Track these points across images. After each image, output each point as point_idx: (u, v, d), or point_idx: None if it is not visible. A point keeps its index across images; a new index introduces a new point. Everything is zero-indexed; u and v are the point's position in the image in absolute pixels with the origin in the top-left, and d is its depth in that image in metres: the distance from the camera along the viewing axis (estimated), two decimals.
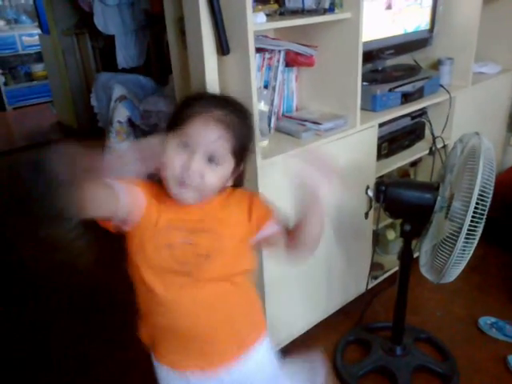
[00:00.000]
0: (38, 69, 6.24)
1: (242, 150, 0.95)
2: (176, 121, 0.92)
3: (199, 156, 0.89)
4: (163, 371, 1.06)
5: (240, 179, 1.03)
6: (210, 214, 0.97)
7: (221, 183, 0.94)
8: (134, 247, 0.95)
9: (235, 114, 0.93)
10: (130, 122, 2.21)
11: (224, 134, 0.89)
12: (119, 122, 2.18)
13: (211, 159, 0.90)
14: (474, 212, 1.30)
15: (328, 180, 0.88)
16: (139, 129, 2.24)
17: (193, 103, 0.92)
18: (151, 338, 1.05)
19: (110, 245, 2.79)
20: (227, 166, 0.93)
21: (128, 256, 0.97)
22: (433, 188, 1.46)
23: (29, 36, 6.11)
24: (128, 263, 0.98)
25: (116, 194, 0.86)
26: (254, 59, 1.39)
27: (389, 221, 2.11)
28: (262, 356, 1.10)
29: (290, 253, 1.02)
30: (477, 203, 1.30)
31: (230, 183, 0.99)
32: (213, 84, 1.47)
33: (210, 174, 0.90)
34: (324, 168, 0.88)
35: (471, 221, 1.30)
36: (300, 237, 0.98)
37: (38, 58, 5.97)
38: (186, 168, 0.88)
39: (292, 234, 0.99)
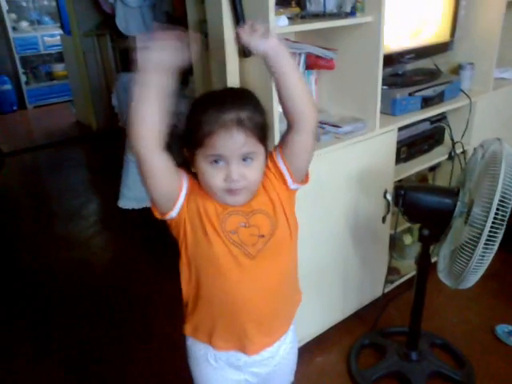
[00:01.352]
0: (58, 69, 6.35)
1: (266, 133, 0.97)
2: (197, 137, 0.91)
3: (235, 162, 0.91)
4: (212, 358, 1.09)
5: None
6: (256, 197, 1.00)
7: (262, 171, 0.97)
8: (190, 235, 0.98)
9: (247, 104, 0.93)
10: None
11: (248, 131, 0.90)
12: None
13: (245, 158, 0.92)
14: (495, 218, 1.29)
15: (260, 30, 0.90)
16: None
17: (205, 113, 0.91)
18: (205, 328, 1.07)
19: (127, 242, 2.85)
20: (260, 154, 0.95)
21: (179, 245, 1.01)
22: (452, 193, 1.45)
23: (50, 36, 6.21)
24: (180, 256, 1.02)
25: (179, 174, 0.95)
26: None
27: (406, 225, 2.10)
28: (290, 341, 1.16)
29: (301, 130, 0.98)
30: (497, 209, 1.29)
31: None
32: (234, 85, 1.48)
33: (250, 171, 0.93)
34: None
35: (491, 227, 1.29)
36: (290, 102, 0.95)
37: (59, 58, 6.07)
38: (229, 179, 0.91)
39: (286, 111, 0.98)
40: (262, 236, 0.99)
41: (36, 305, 2.32)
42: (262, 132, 0.94)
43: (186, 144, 0.96)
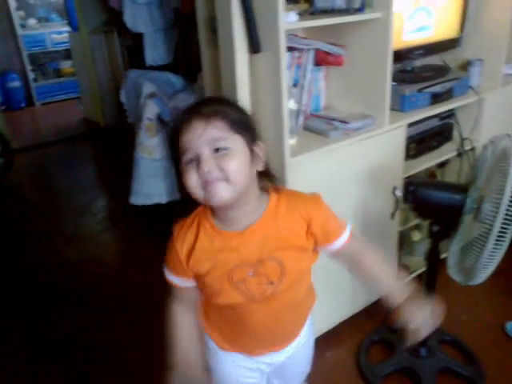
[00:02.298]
0: (66, 65, 6.38)
1: (240, 123, 0.90)
2: (175, 148, 0.91)
3: (204, 154, 0.86)
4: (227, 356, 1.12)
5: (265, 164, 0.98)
6: (264, 239, 0.95)
7: (246, 165, 0.90)
8: (207, 291, 1.01)
9: (212, 102, 0.94)
10: (160, 118, 2.24)
11: (209, 120, 0.87)
12: (149, 118, 2.22)
13: (217, 148, 0.87)
14: (505, 214, 1.29)
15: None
16: (168, 126, 2.28)
17: (177, 125, 0.91)
18: (213, 326, 1.10)
19: (136, 239, 2.87)
20: (237, 144, 0.89)
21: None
22: (462, 189, 1.45)
23: (58, 33, 6.24)
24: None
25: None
26: (285, 58, 1.40)
27: (414, 222, 2.10)
28: (305, 334, 1.17)
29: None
30: (508, 205, 1.28)
31: (260, 167, 0.95)
32: (243, 81, 1.48)
33: (225, 161, 0.86)
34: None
35: (502, 222, 1.29)
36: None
37: (67, 55, 6.10)
38: (201, 172, 0.86)
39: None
40: (271, 283, 0.96)
41: (44, 298, 2.34)
42: (234, 122, 0.89)
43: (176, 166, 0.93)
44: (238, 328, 1.04)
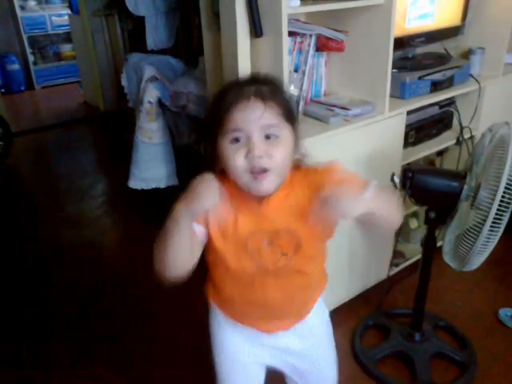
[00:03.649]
0: (66, 49, 6.35)
1: (290, 113, 0.90)
2: (217, 115, 0.88)
3: (256, 138, 0.85)
4: (228, 324, 1.08)
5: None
6: (278, 210, 0.93)
7: (290, 155, 0.90)
8: (216, 254, 0.96)
9: (267, 83, 0.91)
10: (160, 102, 2.24)
11: (267, 103, 0.85)
12: (149, 102, 2.22)
13: (269, 135, 0.86)
14: (501, 201, 1.30)
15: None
16: (168, 110, 2.28)
17: (224, 95, 0.89)
18: (221, 301, 1.07)
19: (136, 222, 2.88)
20: (287, 133, 0.89)
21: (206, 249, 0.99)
22: (460, 176, 1.46)
23: (58, 16, 6.20)
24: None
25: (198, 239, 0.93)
26: (287, 43, 1.41)
27: (412, 209, 2.11)
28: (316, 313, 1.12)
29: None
30: (504, 192, 1.30)
31: (297, 153, 0.95)
32: (245, 66, 1.49)
33: (275, 149, 0.86)
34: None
35: (497, 209, 1.30)
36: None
37: (67, 38, 6.07)
38: (251, 157, 0.85)
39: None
40: (285, 254, 0.94)
41: (44, 283, 2.36)
42: (285, 108, 0.88)
43: (208, 134, 0.92)
44: (248, 299, 1.01)
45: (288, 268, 0.96)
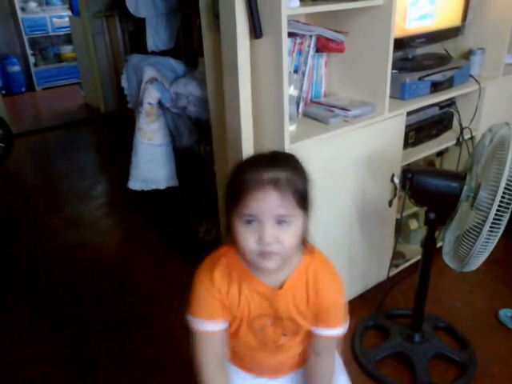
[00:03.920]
0: (67, 50, 6.36)
1: (306, 199, 0.93)
2: (233, 195, 0.91)
3: (269, 224, 0.88)
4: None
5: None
6: (285, 301, 1.00)
7: (298, 240, 0.94)
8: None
9: (288, 168, 0.91)
10: (160, 103, 2.24)
11: (284, 193, 0.87)
12: (149, 103, 2.22)
13: (280, 222, 0.89)
14: (501, 202, 1.30)
15: None
16: (168, 111, 2.28)
17: (243, 172, 0.90)
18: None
19: (136, 223, 2.88)
20: (298, 220, 0.91)
21: None
22: (460, 177, 1.46)
23: (59, 18, 6.20)
24: None
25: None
26: (287, 43, 1.41)
27: (412, 210, 2.11)
28: None
29: None
30: (504, 193, 1.30)
31: (306, 233, 0.97)
32: (244, 67, 1.49)
33: (285, 235, 0.89)
34: None
35: (497, 210, 1.30)
36: None
37: (68, 39, 6.08)
38: (262, 241, 0.88)
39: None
40: (285, 335, 1.04)
41: (43, 284, 2.36)
42: (301, 197, 0.90)
43: (227, 203, 0.94)
44: (247, 359, 1.12)
45: (286, 347, 1.07)
